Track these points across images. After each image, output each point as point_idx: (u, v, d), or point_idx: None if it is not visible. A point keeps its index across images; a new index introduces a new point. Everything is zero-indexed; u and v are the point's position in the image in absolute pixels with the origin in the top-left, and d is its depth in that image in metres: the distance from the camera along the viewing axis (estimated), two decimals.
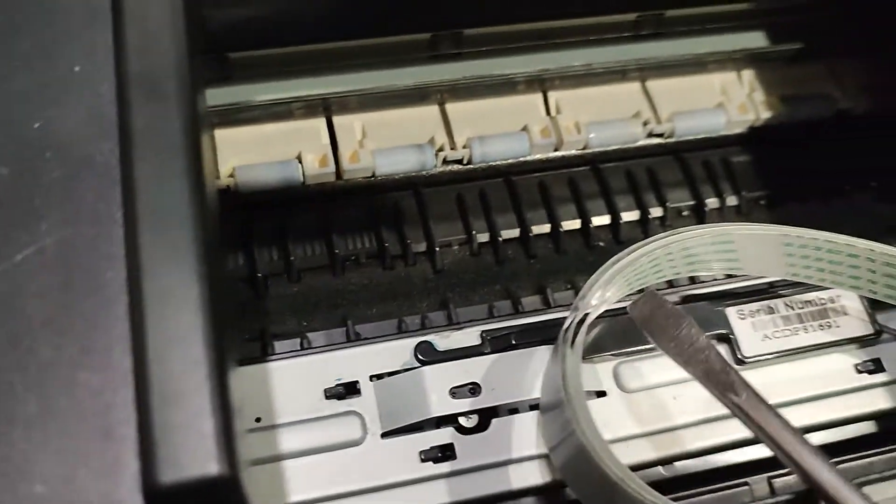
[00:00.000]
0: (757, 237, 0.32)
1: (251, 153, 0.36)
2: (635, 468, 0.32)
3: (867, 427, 0.34)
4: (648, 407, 0.33)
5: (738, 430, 0.33)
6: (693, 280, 0.37)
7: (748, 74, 0.41)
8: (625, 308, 0.33)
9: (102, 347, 0.21)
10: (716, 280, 0.36)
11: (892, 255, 0.31)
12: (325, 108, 0.37)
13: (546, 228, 0.39)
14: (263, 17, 0.28)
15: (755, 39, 0.41)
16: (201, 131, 0.23)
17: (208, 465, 0.18)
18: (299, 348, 0.34)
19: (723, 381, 0.26)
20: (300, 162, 0.36)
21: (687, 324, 0.27)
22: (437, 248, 0.37)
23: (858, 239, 0.32)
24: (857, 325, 0.35)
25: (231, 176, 0.36)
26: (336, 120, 0.37)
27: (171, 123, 0.22)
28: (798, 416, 0.33)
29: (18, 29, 0.25)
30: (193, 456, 0.18)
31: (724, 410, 0.32)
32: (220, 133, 0.36)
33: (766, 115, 0.40)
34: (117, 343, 0.21)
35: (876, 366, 0.34)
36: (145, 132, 0.21)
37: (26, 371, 0.21)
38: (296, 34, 0.32)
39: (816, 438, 0.33)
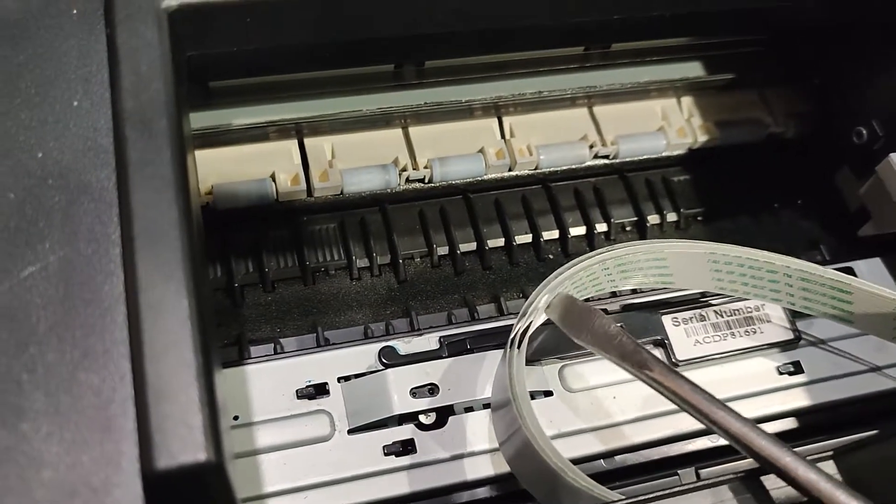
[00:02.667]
0: (686, 254, 0.35)
1: (228, 172, 0.39)
2: (578, 461, 0.35)
3: (789, 423, 0.38)
4: (590, 405, 0.36)
5: (670, 427, 0.36)
6: (634, 291, 0.40)
7: (687, 101, 0.45)
8: None
9: (101, 351, 0.24)
10: (654, 290, 0.39)
11: (806, 271, 0.35)
12: (298, 130, 0.40)
13: (501, 242, 0.42)
14: (241, 51, 0.31)
15: (693, 69, 0.44)
16: (187, 161, 0.26)
17: (197, 452, 0.21)
18: (273, 353, 0.36)
19: (637, 360, 0.29)
20: (274, 180, 0.39)
21: (598, 316, 0.31)
22: (401, 261, 0.40)
23: (776, 255, 0.35)
24: (779, 331, 0.38)
25: (209, 193, 0.39)
26: (307, 141, 0.40)
27: (162, 156, 0.25)
28: None
29: (20, 68, 0.28)
30: (184, 445, 0.21)
31: (658, 409, 0.36)
32: (199, 153, 0.39)
33: (702, 138, 0.44)
34: (114, 347, 0.24)
35: (796, 368, 0.38)
36: (139, 164, 0.24)
37: (34, 372, 0.23)
38: (270, 66, 0.35)
39: None
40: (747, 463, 0.35)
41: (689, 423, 0.36)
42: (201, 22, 0.29)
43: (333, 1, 0.29)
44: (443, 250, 0.41)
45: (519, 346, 0.33)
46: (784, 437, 0.37)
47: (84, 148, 0.27)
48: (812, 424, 0.38)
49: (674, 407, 0.36)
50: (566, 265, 0.34)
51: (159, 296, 0.23)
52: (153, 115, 0.25)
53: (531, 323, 0.33)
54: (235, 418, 0.34)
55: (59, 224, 0.26)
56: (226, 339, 0.38)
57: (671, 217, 0.44)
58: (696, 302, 0.38)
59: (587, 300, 0.37)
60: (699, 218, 0.44)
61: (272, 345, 0.37)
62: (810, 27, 0.41)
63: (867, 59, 0.41)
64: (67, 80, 0.28)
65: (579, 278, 0.34)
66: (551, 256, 0.42)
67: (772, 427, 0.37)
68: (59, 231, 0.25)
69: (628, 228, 0.44)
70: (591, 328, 0.30)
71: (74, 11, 0.29)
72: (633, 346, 0.29)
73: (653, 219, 0.44)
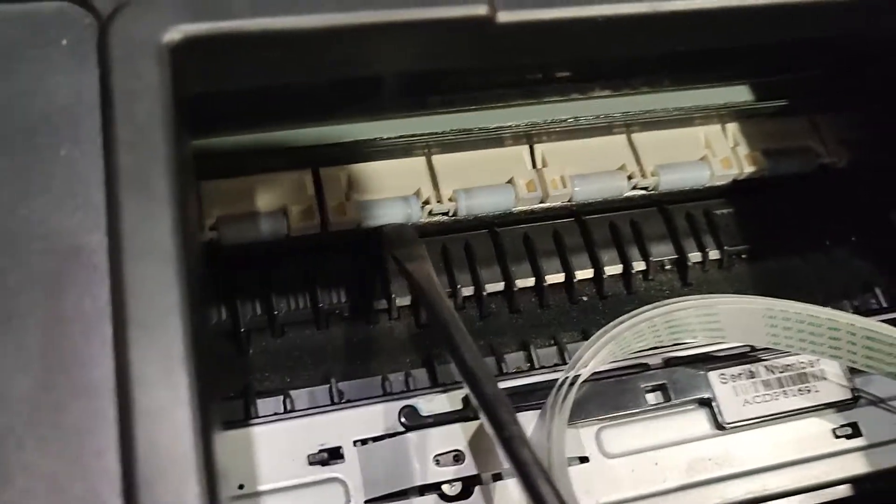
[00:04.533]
0: (741, 310, 0.32)
1: (236, 205, 0.36)
2: None
3: (845, 490, 0.35)
4: (630, 472, 0.33)
5: (717, 495, 0.33)
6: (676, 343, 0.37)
7: (732, 128, 0.41)
8: (607, 371, 0.34)
9: (90, 452, 0.21)
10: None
11: (873, 330, 0.32)
12: (312, 159, 0.36)
13: (530, 282, 0.38)
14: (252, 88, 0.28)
15: (740, 94, 0.41)
16: (190, 220, 0.23)
17: None
18: (282, 410, 0.33)
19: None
20: (285, 214, 0.36)
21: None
22: None
23: (840, 312, 0.32)
24: (836, 389, 0.35)
25: (214, 228, 0.35)
26: (322, 172, 0.37)
27: (162, 224, 0.21)
28: (778, 481, 0.34)
29: (1, 109, 0.24)
30: None
31: (703, 476, 0.33)
32: (204, 184, 0.36)
33: (749, 169, 0.40)
34: (106, 448, 0.21)
35: (854, 430, 0.35)
36: (135, 234, 0.21)
37: (11, 485, 0.20)
38: (284, 106, 0.32)
39: (795, 501, 0.34)
40: None
41: (736, 491, 0.33)
42: (210, 56, 0.25)
43: (368, 30, 0.25)
44: (468, 291, 0.38)
45: (559, 417, 0.30)
46: None
47: (74, 206, 0.23)
48: (871, 492, 0.35)
49: (719, 474, 0.34)
50: (610, 325, 0.31)
51: (158, 403, 0.19)
52: (152, 173, 0.22)
53: (571, 389, 0.30)
54: (241, 487, 0.30)
55: (43, 297, 0.22)
56: (230, 390, 0.34)
57: (714, 255, 0.40)
58: (744, 356, 0.35)
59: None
60: (744, 256, 0.41)
61: (281, 398, 0.34)
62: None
63: None
64: (54, 124, 0.24)
65: (624, 338, 0.31)
66: (585, 298, 0.39)
67: (827, 494, 0.34)
68: (44, 305, 0.22)
69: (668, 267, 0.40)
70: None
71: (64, 42, 0.25)
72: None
73: (694, 257, 0.40)
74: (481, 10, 0.26)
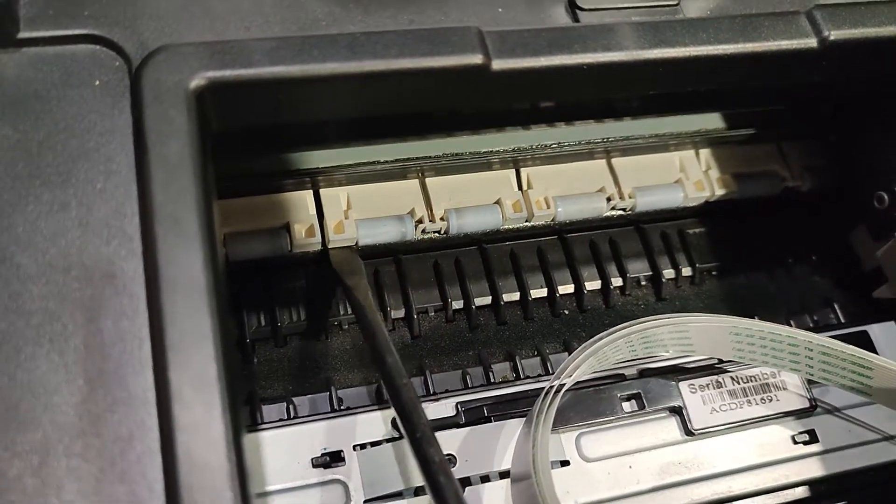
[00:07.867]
0: (709, 327, 0.35)
1: (243, 223, 0.38)
2: None
3: (802, 492, 0.38)
4: (607, 475, 0.36)
5: (686, 496, 0.36)
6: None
7: (705, 153, 0.44)
8: (586, 381, 0.37)
9: (131, 460, 0.23)
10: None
11: (827, 346, 0.35)
12: (313, 181, 0.39)
13: (516, 297, 0.41)
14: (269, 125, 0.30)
15: (712, 121, 0.43)
16: (218, 252, 0.25)
17: None
18: (286, 415, 0.36)
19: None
20: (288, 231, 0.38)
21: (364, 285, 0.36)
22: (415, 315, 0.40)
23: (799, 330, 0.35)
24: (795, 399, 0.38)
25: (222, 245, 0.38)
26: (323, 192, 0.39)
27: (194, 258, 0.24)
28: (742, 483, 0.37)
29: (40, 146, 0.27)
30: None
31: (674, 478, 0.36)
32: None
33: (720, 191, 0.43)
34: (145, 458, 0.23)
35: (811, 437, 0.38)
36: (171, 266, 0.24)
37: (61, 489, 0.23)
38: (298, 139, 0.34)
39: (757, 502, 0.37)
40: None
41: (706, 492, 0.36)
42: (231, 99, 0.28)
43: (374, 76, 0.28)
44: (458, 304, 0.40)
45: (543, 425, 0.32)
46: None
47: (109, 236, 0.26)
48: (826, 493, 0.38)
49: (688, 476, 0.37)
50: (591, 340, 0.34)
51: (194, 418, 0.22)
52: (184, 209, 0.25)
53: (555, 400, 0.33)
54: None
55: (83, 321, 0.25)
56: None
57: (686, 272, 0.43)
58: (712, 368, 0.38)
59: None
60: (714, 273, 0.44)
61: (285, 405, 0.37)
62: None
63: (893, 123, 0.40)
64: (90, 159, 0.27)
65: (603, 352, 0.34)
66: (566, 312, 0.42)
67: (786, 496, 0.37)
68: (84, 329, 0.25)
69: (643, 283, 0.43)
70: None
71: (97, 83, 0.28)
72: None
73: (668, 273, 0.43)
74: (477, 59, 0.29)
